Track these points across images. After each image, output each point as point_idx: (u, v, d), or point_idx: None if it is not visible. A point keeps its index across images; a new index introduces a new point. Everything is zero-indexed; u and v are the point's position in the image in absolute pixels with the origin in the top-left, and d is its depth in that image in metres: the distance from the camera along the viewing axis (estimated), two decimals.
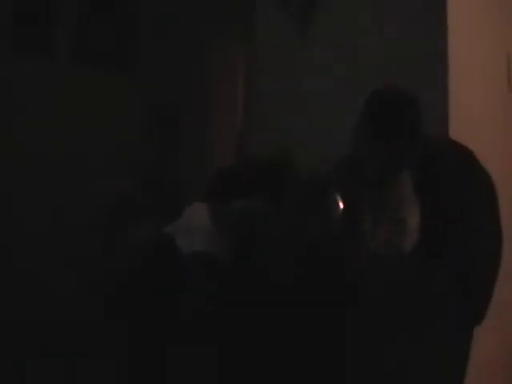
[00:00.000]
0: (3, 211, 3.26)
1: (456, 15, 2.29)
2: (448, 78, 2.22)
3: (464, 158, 1.89)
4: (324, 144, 2.63)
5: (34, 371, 3.04)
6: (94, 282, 2.76)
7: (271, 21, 3.19)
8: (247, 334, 1.85)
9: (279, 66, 3.11)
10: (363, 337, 1.73)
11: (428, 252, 1.76)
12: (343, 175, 2.02)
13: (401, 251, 1.77)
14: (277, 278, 1.89)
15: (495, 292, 1.83)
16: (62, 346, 3.11)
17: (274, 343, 1.79)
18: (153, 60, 3.87)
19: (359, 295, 1.75)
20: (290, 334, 1.78)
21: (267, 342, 1.80)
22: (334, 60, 2.79)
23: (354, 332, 1.74)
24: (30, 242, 3.29)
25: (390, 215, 1.83)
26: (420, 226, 1.79)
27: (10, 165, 3.32)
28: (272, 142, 2.92)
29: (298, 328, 1.78)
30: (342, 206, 1.94)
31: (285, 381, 1.80)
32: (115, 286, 2.48)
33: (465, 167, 1.86)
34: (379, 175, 1.86)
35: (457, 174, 1.83)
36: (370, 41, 2.61)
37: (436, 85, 2.24)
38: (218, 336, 1.90)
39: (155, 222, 2.64)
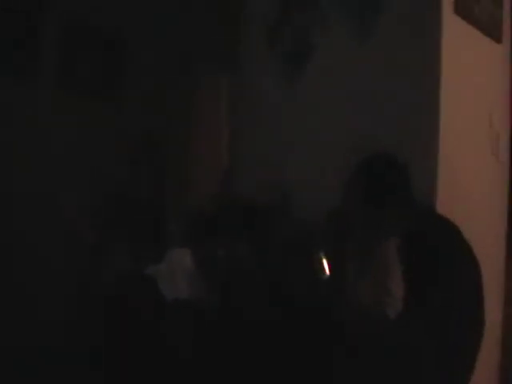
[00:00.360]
0: None
1: (450, 90, 2.35)
2: (438, 148, 2.27)
3: (449, 232, 1.94)
4: (312, 186, 2.64)
5: None
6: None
7: (259, 59, 3.22)
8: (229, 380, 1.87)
9: (267, 104, 3.13)
10: None
11: (411, 321, 1.79)
12: (331, 233, 2.06)
13: (384, 318, 1.80)
14: (257, 328, 1.91)
15: None
16: None
17: None
18: (139, 92, 3.85)
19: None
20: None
21: None
22: (321, 104, 2.81)
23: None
24: None
25: (376, 283, 1.85)
26: (404, 296, 1.82)
27: None
28: (259, 181, 2.93)
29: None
30: (327, 268, 1.97)
31: None
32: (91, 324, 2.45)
33: (449, 241, 1.92)
34: (367, 238, 1.90)
35: (441, 248, 1.87)
36: (358, 97, 2.64)
37: (426, 153, 2.28)
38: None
39: (137, 258, 2.63)
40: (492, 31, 2.55)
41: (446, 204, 2.17)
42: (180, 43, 3.99)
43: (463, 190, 2.32)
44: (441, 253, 1.87)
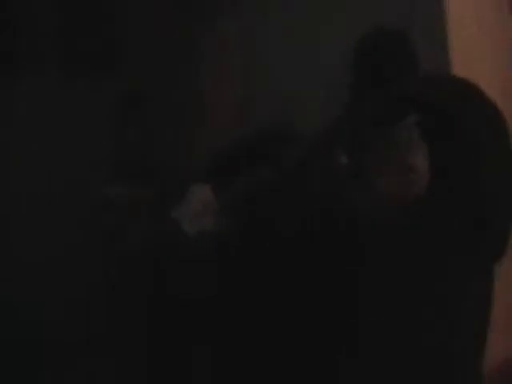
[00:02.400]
0: None
1: None
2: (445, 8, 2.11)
3: (470, 93, 1.77)
4: (322, 104, 2.55)
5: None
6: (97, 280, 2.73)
7: None
8: (259, 307, 1.77)
9: (267, 30, 3.04)
10: (375, 292, 1.63)
11: (440, 194, 1.66)
12: (344, 130, 1.92)
13: (412, 196, 1.66)
14: (287, 246, 1.80)
15: None
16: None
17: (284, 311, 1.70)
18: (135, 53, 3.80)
19: (371, 248, 1.65)
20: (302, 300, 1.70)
21: (277, 309, 1.71)
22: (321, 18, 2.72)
23: (365, 287, 1.64)
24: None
25: (399, 162, 1.71)
26: (430, 170, 1.68)
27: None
28: (269, 109, 2.85)
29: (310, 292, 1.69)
30: (346, 162, 1.85)
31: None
32: (121, 281, 2.44)
33: (472, 103, 1.75)
34: (379, 122, 1.75)
35: (464, 111, 1.71)
36: None
37: (433, 19, 2.13)
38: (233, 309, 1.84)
39: (156, 209, 2.58)
40: None
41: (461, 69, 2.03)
42: None
43: (476, 52, 2.18)
44: (465, 117, 1.71)
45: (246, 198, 2.05)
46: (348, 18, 2.50)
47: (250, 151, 2.17)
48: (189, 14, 3.87)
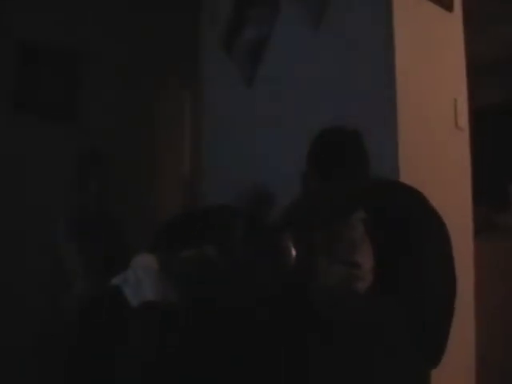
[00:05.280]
0: None
1: (404, 62, 2.31)
2: (397, 120, 2.21)
3: (414, 200, 1.87)
4: (276, 187, 2.61)
5: None
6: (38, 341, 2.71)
7: (219, 62, 3.18)
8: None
9: (227, 111, 3.09)
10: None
11: (381, 293, 1.71)
12: (295, 219, 1.98)
13: (354, 293, 1.72)
14: (228, 323, 1.82)
15: None
16: None
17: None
18: (97, 109, 3.84)
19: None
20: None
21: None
22: (281, 105, 2.79)
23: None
24: None
25: (344, 258, 1.77)
26: (373, 268, 1.74)
27: None
28: (221, 188, 2.89)
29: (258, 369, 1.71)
30: (294, 252, 1.90)
31: None
32: (61, 345, 2.41)
33: (415, 209, 1.84)
34: (329, 216, 1.83)
35: (407, 216, 1.80)
36: (317, 83, 2.61)
37: (385, 127, 2.24)
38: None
39: (100, 275, 2.57)
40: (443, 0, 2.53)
41: (409, 174, 2.13)
42: (138, 56, 3.97)
43: (425, 160, 2.29)
44: (409, 221, 1.80)
45: (189, 272, 2.07)
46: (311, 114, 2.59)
47: (199, 223, 2.19)
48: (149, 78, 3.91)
